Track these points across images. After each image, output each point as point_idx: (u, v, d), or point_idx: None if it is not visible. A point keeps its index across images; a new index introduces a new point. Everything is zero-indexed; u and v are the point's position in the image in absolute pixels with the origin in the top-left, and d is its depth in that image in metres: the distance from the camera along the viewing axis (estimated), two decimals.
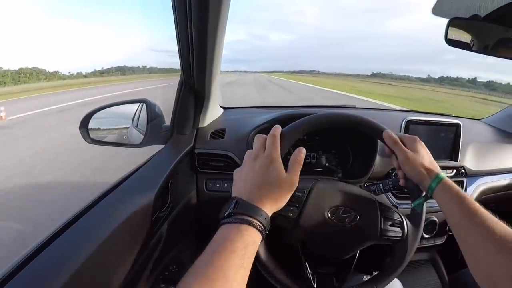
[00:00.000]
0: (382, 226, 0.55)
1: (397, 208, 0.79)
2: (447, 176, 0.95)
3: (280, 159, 0.47)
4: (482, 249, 0.42)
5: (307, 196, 0.54)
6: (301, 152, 0.48)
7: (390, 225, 0.56)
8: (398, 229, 0.56)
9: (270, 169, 0.45)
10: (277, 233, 0.57)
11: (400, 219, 0.57)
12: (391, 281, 0.58)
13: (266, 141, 0.48)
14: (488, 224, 0.42)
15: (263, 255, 0.54)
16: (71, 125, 5.07)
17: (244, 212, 0.41)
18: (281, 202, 0.46)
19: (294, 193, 0.51)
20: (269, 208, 0.43)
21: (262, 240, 0.42)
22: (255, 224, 0.40)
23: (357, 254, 0.61)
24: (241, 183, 0.46)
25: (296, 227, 0.54)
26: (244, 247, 0.37)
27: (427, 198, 0.54)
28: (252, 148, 0.49)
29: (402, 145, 0.55)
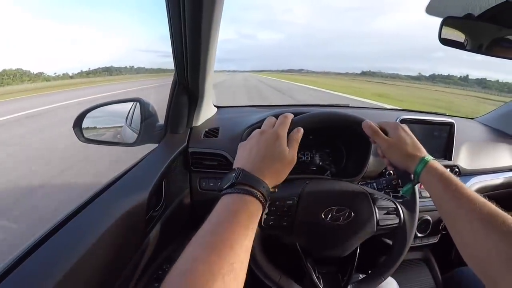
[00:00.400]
0: (377, 217, 0.56)
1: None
2: None
3: (286, 138, 0.48)
4: (470, 231, 0.41)
5: (297, 203, 0.54)
6: (299, 132, 0.50)
7: (386, 214, 0.56)
8: (394, 216, 0.57)
9: (275, 144, 0.46)
10: (275, 241, 0.57)
11: (395, 206, 0.57)
12: (395, 269, 0.58)
13: (276, 121, 0.50)
14: (475, 206, 0.41)
15: (265, 266, 0.55)
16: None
17: (247, 182, 0.41)
18: (281, 176, 0.46)
19: (285, 202, 0.53)
20: (270, 181, 0.44)
21: (263, 211, 0.42)
22: (258, 195, 0.40)
23: (358, 249, 0.61)
24: (244, 154, 0.46)
25: (293, 235, 0.55)
26: (248, 217, 0.38)
27: (414, 183, 0.54)
28: None
29: (382, 134, 0.55)
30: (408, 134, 0.55)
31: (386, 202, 0.57)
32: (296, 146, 0.49)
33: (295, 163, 0.47)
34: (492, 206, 0.41)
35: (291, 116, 0.51)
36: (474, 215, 0.41)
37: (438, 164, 0.50)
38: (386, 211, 0.57)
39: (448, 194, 0.45)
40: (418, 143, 0.54)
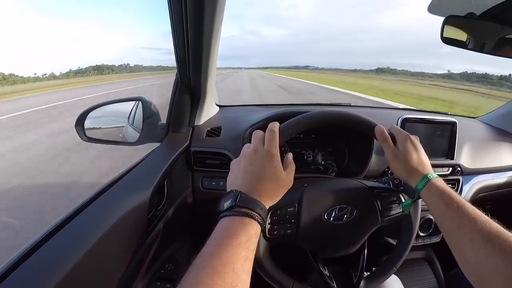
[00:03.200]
0: (380, 209, 0.56)
1: None
2: (442, 175, 0.94)
3: (279, 156, 0.47)
4: (472, 250, 0.40)
5: (298, 209, 0.54)
6: (290, 155, 0.51)
7: (388, 204, 0.57)
8: (397, 205, 0.57)
9: (270, 166, 0.45)
10: (281, 245, 0.57)
11: (396, 195, 0.57)
12: (405, 257, 0.59)
13: (265, 136, 0.49)
14: (476, 225, 0.41)
15: (276, 274, 0.55)
16: None
17: (245, 205, 0.41)
18: (277, 198, 0.47)
19: (287, 209, 0.53)
20: (266, 202, 0.44)
21: (261, 232, 0.42)
22: (256, 217, 0.41)
23: (366, 243, 0.61)
24: (239, 175, 0.46)
25: (299, 241, 0.55)
26: (247, 239, 0.38)
27: (414, 199, 0.54)
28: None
29: (391, 143, 0.54)
30: (416, 148, 0.54)
31: (387, 193, 0.57)
32: (293, 168, 0.49)
33: (292, 185, 0.48)
34: (494, 225, 0.41)
35: (277, 126, 0.50)
36: (475, 234, 0.41)
37: (441, 182, 0.49)
38: (388, 202, 0.57)
39: (450, 213, 0.45)
40: (425, 158, 0.53)
